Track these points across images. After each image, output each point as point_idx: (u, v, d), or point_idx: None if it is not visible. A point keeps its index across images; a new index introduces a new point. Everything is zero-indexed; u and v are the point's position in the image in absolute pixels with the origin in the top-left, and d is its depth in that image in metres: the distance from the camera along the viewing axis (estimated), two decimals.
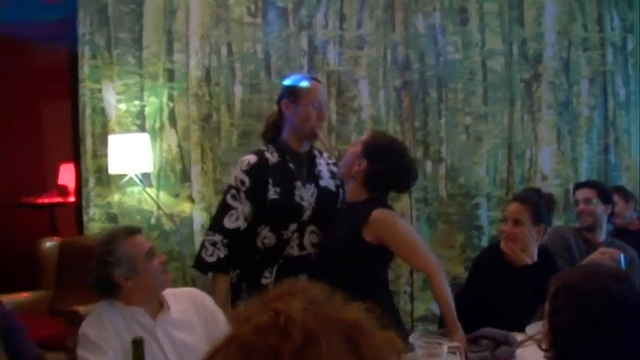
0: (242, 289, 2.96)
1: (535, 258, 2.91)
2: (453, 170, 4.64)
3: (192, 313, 2.44)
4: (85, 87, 4.50)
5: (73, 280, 4.44)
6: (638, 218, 4.14)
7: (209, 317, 2.43)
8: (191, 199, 4.52)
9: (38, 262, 4.42)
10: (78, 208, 4.62)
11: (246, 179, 2.88)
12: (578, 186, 3.77)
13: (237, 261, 2.93)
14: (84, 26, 4.48)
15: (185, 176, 4.49)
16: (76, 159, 4.61)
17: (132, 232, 2.37)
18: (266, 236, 2.89)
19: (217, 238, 2.89)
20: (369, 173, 2.72)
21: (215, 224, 2.95)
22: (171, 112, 4.50)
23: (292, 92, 2.92)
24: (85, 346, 2.22)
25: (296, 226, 2.89)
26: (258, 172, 2.88)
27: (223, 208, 2.93)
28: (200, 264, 2.94)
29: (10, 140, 6.06)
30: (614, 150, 4.77)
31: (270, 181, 2.88)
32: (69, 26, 4.60)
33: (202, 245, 2.97)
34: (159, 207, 4.42)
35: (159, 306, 2.38)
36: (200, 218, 4.53)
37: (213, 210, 4.56)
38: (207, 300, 2.51)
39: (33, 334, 3.80)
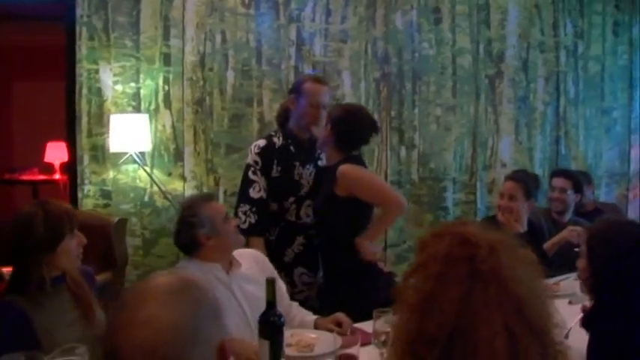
0: None
1: (526, 227, 3.24)
2: (424, 156, 4.69)
3: (255, 270, 2.59)
4: (82, 67, 4.37)
5: None
6: (594, 201, 4.47)
7: (268, 273, 2.55)
8: (183, 178, 4.43)
9: None
10: (72, 185, 4.55)
11: (259, 160, 3.18)
12: (556, 174, 3.89)
13: (265, 224, 3.16)
14: (82, 8, 4.38)
15: (178, 156, 4.38)
16: (70, 137, 4.55)
17: (210, 197, 2.60)
18: (270, 205, 3.17)
19: (247, 207, 3.15)
20: (335, 134, 2.98)
21: (243, 196, 3.20)
22: (167, 95, 4.38)
23: (298, 89, 3.18)
24: None
25: (294, 199, 3.18)
26: (266, 153, 3.17)
27: (247, 183, 3.19)
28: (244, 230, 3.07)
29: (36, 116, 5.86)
30: (565, 141, 4.95)
31: (275, 161, 3.18)
32: (66, 7, 4.54)
33: (235, 215, 3.16)
34: (155, 184, 4.33)
35: (229, 263, 2.52)
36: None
37: (204, 188, 4.58)
38: (266, 260, 2.71)
39: None
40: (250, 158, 3.21)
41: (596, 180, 4.91)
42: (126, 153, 4.21)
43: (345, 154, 3.02)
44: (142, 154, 4.27)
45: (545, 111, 4.87)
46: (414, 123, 4.68)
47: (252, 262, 2.60)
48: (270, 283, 2.02)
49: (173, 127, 4.37)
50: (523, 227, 3.23)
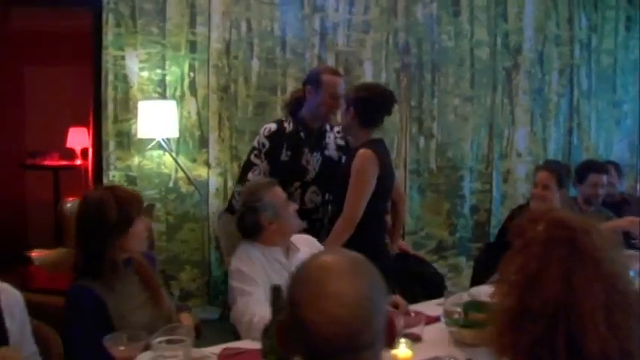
0: None
1: None
2: (442, 145, 4.68)
3: (308, 253, 2.61)
4: (108, 54, 4.31)
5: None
6: (621, 194, 4.29)
7: None
8: (207, 164, 4.40)
9: (61, 221, 4.29)
10: (96, 171, 4.51)
11: (267, 143, 3.18)
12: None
13: None
14: None
15: (203, 142, 4.35)
16: (95, 123, 4.51)
17: (273, 183, 2.58)
18: None
19: (242, 188, 3.09)
20: (359, 114, 3.03)
21: (241, 177, 3.25)
22: (192, 82, 4.32)
23: (317, 80, 3.17)
24: (240, 279, 2.36)
25: (299, 184, 3.19)
26: (276, 137, 3.18)
27: (248, 165, 3.23)
28: (230, 209, 3.22)
29: (21, 101, 5.84)
30: (577, 133, 4.97)
31: (285, 145, 3.18)
32: None
33: (232, 194, 3.34)
34: (182, 170, 4.25)
35: (288, 247, 2.54)
36: (215, 182, 4.44)
37: (228, 175, 4.58)
38: (319, 245, 2.72)
39: None
40: (257, 140, 3.23)
41: None
42: (153, 139, 4.18)
43: (370, 132, 3.09)
44: (168, 140, 4.25)
45: (559, 103, 4.89)
46: (432, 113, 4.68)
47: (307, 247, 2.60)
48: (277, 290, 1.88)
49: (198, 113, 4.34)
50: None
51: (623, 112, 5.03)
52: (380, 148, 3.08)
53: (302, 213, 3.10)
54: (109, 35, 4.22)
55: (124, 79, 4.25)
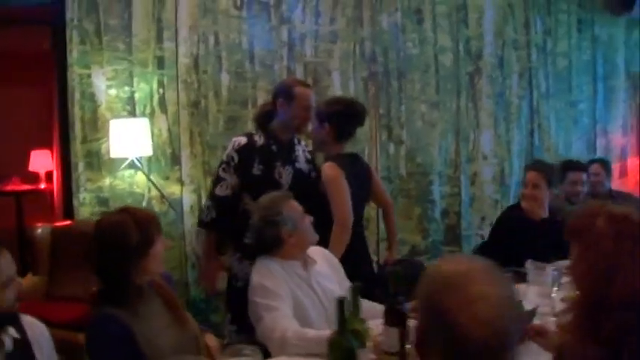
0: (228, 246, 3.28)
1: (547, 213, 3.32)
2: (411, 151, 4.66)
3: (326, 266, 2.60)
4: (74, 72, 4.13)
5: (67, 266, 4.14)
6: (609, 190, 4.36)
7: (336, 267, 2.65)
8: (181, 182, 4.22)
9: (31, 248, 4.08)
10: (65, 194, 4.31)
11: (236, 156, 3.13)
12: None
13: (225, 222, 3.16)
14: (72, 11, 4.11)
15: (175, 160, 4.17)
16: (61, 144, 4.30)
17: (288, 196, 2.55)
18: (248, 203, 3.07)
19: (209, 203, 3.21)
20: (335, 129, 3.15)
21: (210, 192, 3.25)
22: (162, 98, 4.14)
23: (288, 93, 3.15)
24: (264, 295, 2.29)
25: None
26: (246, 151, 3.14)
27: (216, 179, 3.20)
28: (200, 223, 3.30)
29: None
30: (538, 133, 5.05)
31: (256, 159, 3.13)
32: (52, 10, 4.30)
33: (202, 209, 3.39)
34: (157, 189, 4.07)
35: (305, 261, 2.50)
36: (189, 199, 4.28)
37: (202, 192, 4.40)
38: (334, 257, 2.71)
39: (56, 318, 3.54)
40: (226, 154, 3.18)
41: None
42: (125, 159, 4.04)
43: (343, 145, 3.20)
44: (140, 159, 4.11)
45: (520, 105, 4.96)
46: (400, 120, 4.67)
47: (322, 259, 2.60)
48: (357, 290, 2.01)
49: (169, 130, 4.20)
50: (545, 213, 3.30)
51: (579, 111, 5.15)
52: (345, 161, 3.14)
53: None
54: (73, 53, 4.04)
55: (92, 97, 4.08)
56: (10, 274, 1.75)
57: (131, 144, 3.92)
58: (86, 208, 4.12)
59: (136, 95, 4.15)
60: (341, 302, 1.84)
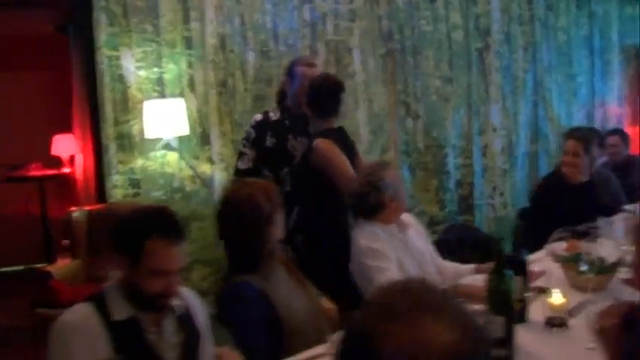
0: None
1: (588, 177, 3.40)
2: (427, 125, 4.72)
3: (414, 229, 2.66)
4: (103, 54, 4.07)
5: (104, 248, 4.05)
6: (626, 156, 4.50)
7: (422, 230, 2.75)
8: (211, 161, 4.22)
9: (73, 231, 3.96)
10: (97, 177, 4.19)
11: (253, 132, 3.32)
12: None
13: None
14: None
15: (205, 139, 4.12)
16: (92, 126, 4.17)
17: (388, 164, 2.76)
18: (267, 175, 3.23)
19: (234, 177, 3.34)
20: (309, 105, 3.13)
21: (235, 167, 3.41)
22: (190, 78, 4.13)
23: (291, 72, 3.31)
24: (374, 257, 2.35)
25: (288, 169, 3.25)
26: (260, 126, 3.31)
27: (239, 155, 3.38)
28: None
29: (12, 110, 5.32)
30: (542, 105, 5.22)
31: (269, 132, 3.27)
32: None
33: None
34: (191, 168, 4.02)
35: (398, 224, 2.55)
36: (220, 178, 4.28)
37: (232, 170, 4.42)
38: (415, 219, 2.80)
39: None
40: (246, 131, 3.38)
41: None
42: (160, 139, 3.96)
43: (326, 122, 3.13)
44: (173, 139, 4.04)
45: (524, 79, 5.04)
46: (417, 95, 4.71)
47: (411, 223, 2.66)
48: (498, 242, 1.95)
49: (199, 110, 4.15)
50: (586, 177, 3.40)
51: (579, 83, 5.27)
52: (334, 135, 3.12)
53: (295, 198, 3.19)
54: (101, 35, 3.93)
55: (121, 79, 3.98)
56: (176, 267, 1.69)
57: (165, 124, 3.85)
58: (119, 190, 4.03)
59: (165, 76, 4.05)
60: (498, 242, 1.86)
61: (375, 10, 4.54)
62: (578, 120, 5.24)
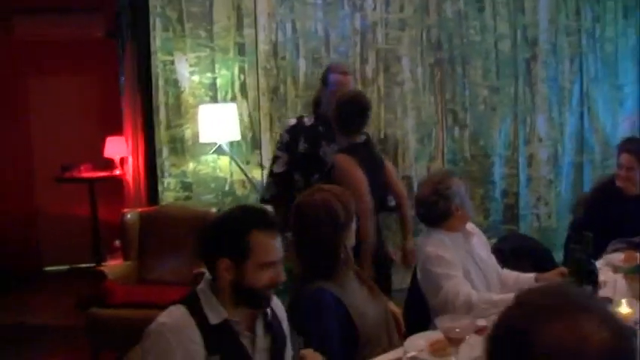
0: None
1: None
2: (474, 134, 4.66)
3: (477, 237, 2.61)
4: (158, 59, 4.10)
5: (155, 250, 4.06)
6: None
7: (484, 239, 2.71)
8: (261, 165, 4.20)
9: (123, 233, 3.98)
10: (149, 179, 4.21)
11: (286, 136, 3.32)
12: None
13: (285, 197, 3.21)
14: None
15: (255, 144, 4.11)
16: (145, 130, 4.20)
17: (453, 173, 2.69)
18: (298, 179, 3.24)
19: (270, 180, 3.38)
20: (334, 121, 3.11)
21: (269, 170, 3.44)
22: (242, 84, 4.15)
23: (324, 79, 3.33)
24: (442, 264, 2.32)
25: (319, 175, 3.18)
26: (294, 131, 3.30)
27: (273, 158, 3.41)
28: (262, 200, 3.41)
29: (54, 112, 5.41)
30: (588, 116, 5.15)
31: (302, 138, 3.25)
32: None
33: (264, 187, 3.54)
34: (242, 172, 4.03)
35: (465, 233, 2.51)
36: None
37: None
38: (477, 228, 2.71)
39: (168, 299, 3.46)
40: (280, 135, 3.42)
41: (613, 149, 5.14)
42: (214, 143, 3.97)
43: (348, 138, 3.08)
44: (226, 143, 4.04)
45: (571, 89, 4.98)
46: (464, 104, 4.67)
47: (475, 232, 2.63)
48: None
49: (250, 115, 4.16)
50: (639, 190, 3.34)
51: (625, 94, 5.20)
52: (357, 151, 3.07)
53: None
54: (157, 40, 3.96)
55: (175, 83, 4.01)
56: (280, 257, 1.68)
57: (219, 129, 3.86)
58: (170, 193, 4.05)
59: (218, 81, 4.07)
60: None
61: (424, 19, 4.52)
62: (623, 131, 5.15)
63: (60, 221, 5.36)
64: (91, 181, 4.53)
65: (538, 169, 4.91)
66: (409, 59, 4.49)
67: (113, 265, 3.81)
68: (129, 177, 4.60)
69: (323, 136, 3.23)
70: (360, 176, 2.97)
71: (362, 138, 3.15)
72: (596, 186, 3.77)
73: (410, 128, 4.53)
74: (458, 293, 2.23)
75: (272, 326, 1.74)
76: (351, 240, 2.09)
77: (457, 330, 1.81)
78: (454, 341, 1.81)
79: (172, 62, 3.98)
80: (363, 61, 4.36)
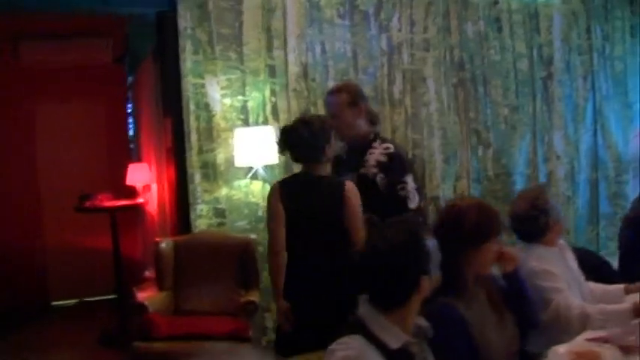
0: None
1: None
2: (497, 153, 4.61)
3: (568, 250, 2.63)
4: (188, 82, 3.91)
5: (191, 279, 3.84)
6: None
7: (571, 252, 2.65)
8: None
9: (158, 262, 3.74)
10: (180, 206, 4.00)
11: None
12: None
13: None
14: (185, 21, 3.88)
15: (287, 168, 4.04)
16: (176, 155, 4.00)
17: (547, 185, 2.51)
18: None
19: None
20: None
21: None
22: (274, 107, 4.02)
23: None
24: (550, 278, 2.32)
25: None
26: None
27: None
28: None
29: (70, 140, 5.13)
30: (601, 133, 5.15)
31: (335, 168, 3.01)
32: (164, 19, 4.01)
33: None
34: None
35: (559, 246, 2.55)
36: None
37: None
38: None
39: (214, 329, 3.26)
40: None
41: (625, 165, 5.17)
42: (245, 167, 3.82)
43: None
44: (250, 168, 3.89)
45: (585, 106, 4.98)
46: (487, 123, 4.61)
47: (565, 244, 2.66)
48: None
49: None
50: None
51: (634, 111, 5.24)
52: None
53: None
54: (187, 62, 3.80)
55: (206, 107, 3.85)
56: None
57: (255, 153, 3.70)
58: (203, 220, 3.86)
59: (249, 104, 3.93)
60: None
61: (447, 39, 4.47)
62: (635, 147, 5.18)
63: (69, 253, 5.10)
64: (111, 210, 4.29)
65: (557, 186, 4.87)
66: (434, 80, 4.42)
67: (149, 297, 3.58)
68: (152, 205, 4.39)
69: (343, 165, 3.08)
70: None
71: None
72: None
73: (436, 148, 4.45)
74: (570, 306, 2.24)
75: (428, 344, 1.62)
76: (483, 263, 2.00)
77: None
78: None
79: (203, 85, 3.82)
80: (391, 82, 4.27)
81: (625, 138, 5.19)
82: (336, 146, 2.93)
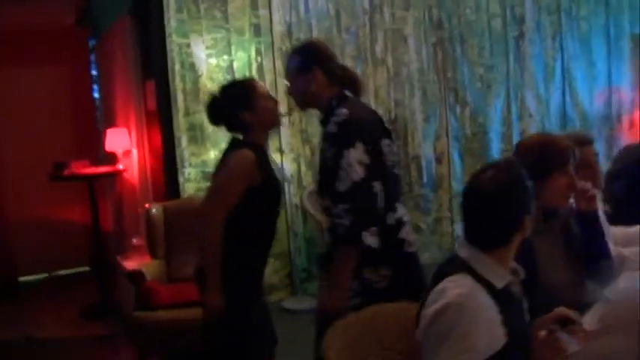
0: None
1: None
2: (474, 112, 4.68)
3: None
4: (173, 42, 3.77)
5: (182, 246, 3.74)
6: None
7: None
8: (280, 151, 4.05)
9: (149, 229, 3.60)
10: (168, 170, 3.86)
11: None
12: None
13: None
14: None
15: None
16: (160, 119, 3.83)
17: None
18: None
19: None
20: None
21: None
22: (259, 66, 3.96)
23: None
24: None
25: None
26: None
27: None
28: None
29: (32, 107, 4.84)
30: (569, 91, 5.36)
31: None
32: None
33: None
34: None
35: None
36: (290, 168, 4.09)
37: (302, 160, 4.21)
38: None
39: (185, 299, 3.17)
40: None
41: (591, 122, 5.35)
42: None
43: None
44: None
45: (554, 66, 5.13)
46: (464, 83, 4.68)
47: None
48: None
49: None
50: None
51: (598, 70, 5.40)
52: None
53: None
54: (171, 22, 3.65)
55: (192, 67, 3.72)
56: None
57: None
58: (191, 184, 3.77)
59: (235, 64, 3.82)
60: None
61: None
62: (599, 105, 5.36)
63: (36, 225, 4.87)
64: (90, 178, 4.08)
65: None
66: (414, 38, 4.42)
67: (142, 265, 3.46)
68: (132, 171, 4.22)
69: None
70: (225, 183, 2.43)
71: None
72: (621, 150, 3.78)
73: (417, 107, 4.47)
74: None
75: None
76: (550, 198, 1.97)
77: None
78: None
79: (189, 45, 3.69)
80: (373, 41, 4.23)
81: (591, 96, 5.35)
82: (269, 113, 2.49)
